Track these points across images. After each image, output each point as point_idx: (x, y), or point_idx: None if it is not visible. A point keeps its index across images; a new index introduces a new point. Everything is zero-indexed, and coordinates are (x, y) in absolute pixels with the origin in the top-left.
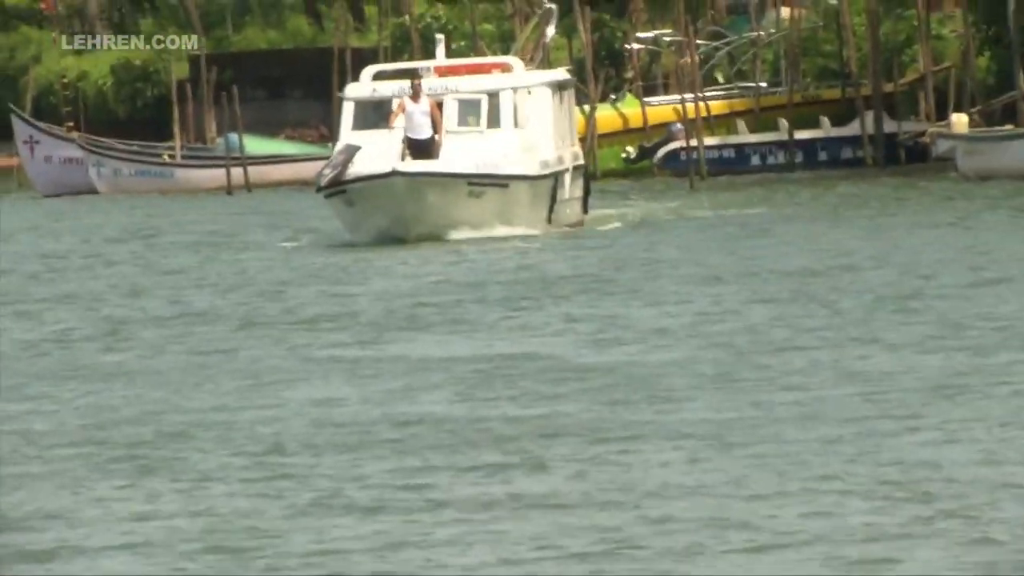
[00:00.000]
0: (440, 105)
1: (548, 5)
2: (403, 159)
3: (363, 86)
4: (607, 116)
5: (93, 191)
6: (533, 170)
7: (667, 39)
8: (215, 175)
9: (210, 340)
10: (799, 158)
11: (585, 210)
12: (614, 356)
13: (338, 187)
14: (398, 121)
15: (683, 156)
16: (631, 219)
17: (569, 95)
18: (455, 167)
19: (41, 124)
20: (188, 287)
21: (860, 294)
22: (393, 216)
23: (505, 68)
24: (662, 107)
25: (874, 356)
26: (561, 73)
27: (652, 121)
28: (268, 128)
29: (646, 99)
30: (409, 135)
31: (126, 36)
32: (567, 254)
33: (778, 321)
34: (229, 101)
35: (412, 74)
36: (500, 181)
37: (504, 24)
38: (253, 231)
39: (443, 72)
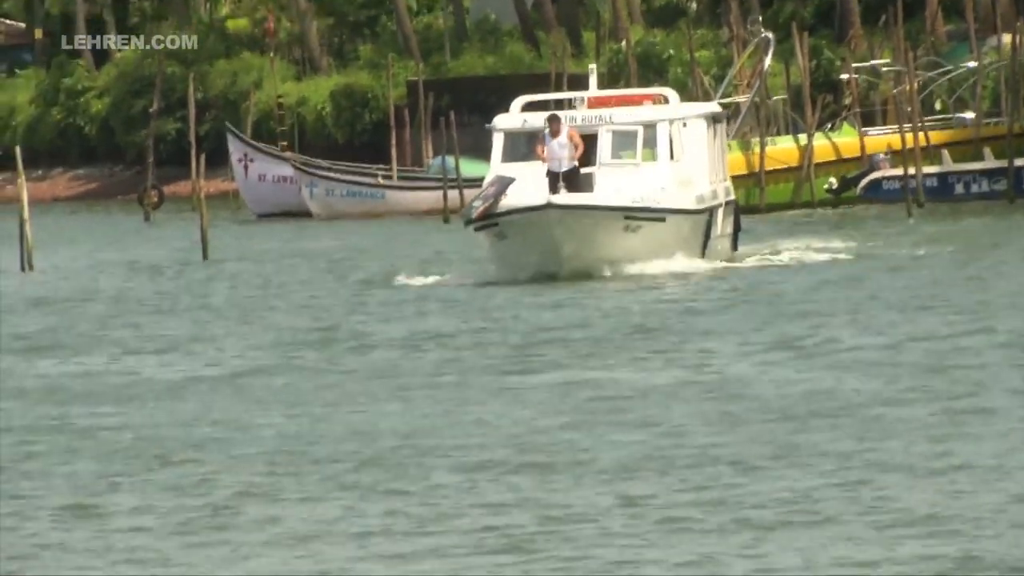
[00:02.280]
0: (587, 137)
1: (765, 34)
2: (556, 191)
3: (513, 117)
4: (820, 146)
5: (305, 211)
6: (690, 204)
7: (884, 68)
8: (426, 197)
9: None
10: (1000, 185)
11: (735, 247)
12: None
13: (490, 220)
14: (547, 152)
15: (885, 185)
16: (794, 257)
17: (721, 128)
18: (611, 200)
19: (255, 143)
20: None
21: None
22: (546, 250)
23: (659, 99)
24: (878, 137)
25: None
26: (714, 106)
27: (870, 150)
28: (484, 154)
29: (863, 128)
30: (551, 168)
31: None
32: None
33: None
34: (446, 126)
35: (562, 105)
36: (657, 215)
37: (722, 50)
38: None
39: (595, 104)
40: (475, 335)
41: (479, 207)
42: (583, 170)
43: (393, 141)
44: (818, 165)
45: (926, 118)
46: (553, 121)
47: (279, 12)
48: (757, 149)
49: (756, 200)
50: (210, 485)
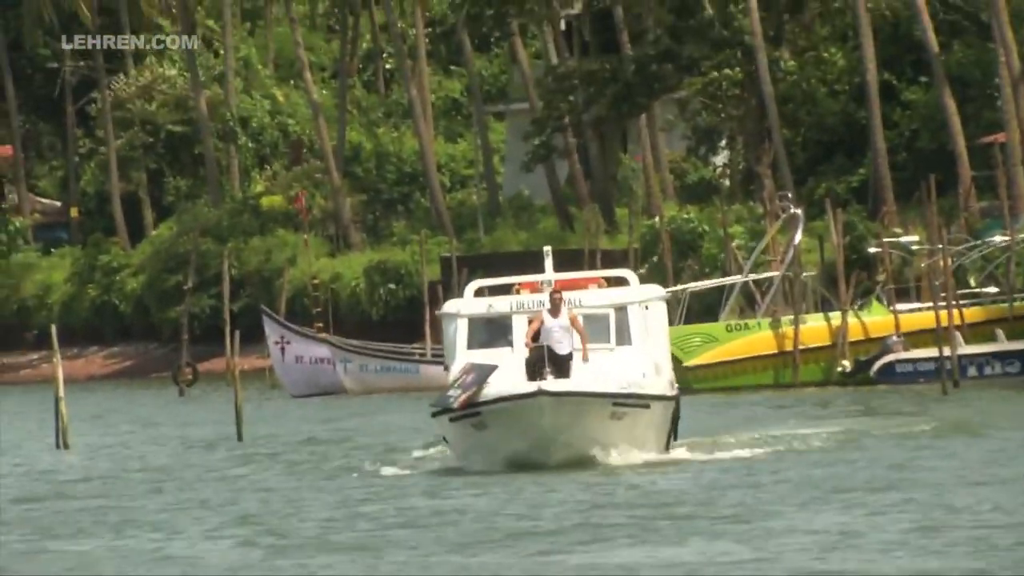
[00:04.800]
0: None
1: (794, 210)
2: (542, 377)
3: (475, 303)
4: (849, 325)
5: (342, 390)
6: (667, 390)
7: (915, 247)
8: None
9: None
10: (1016, 368)
11: (675, 436)
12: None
13: (470, 410)
14: (543, 333)
15: (899, 368)
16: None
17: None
18: (599, 386)
19: (292, 325)
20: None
21: None
22: (533, 440)
23: (620, 281)
24: (912, 315)
25: None
26: (659, 288)
27: (904, 328)
28: None
29: (897, 304)
30: (551, 349)
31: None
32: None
33: None
34: None
35: (510, 290)
36: (643, 402)
37: (755, 226)
38: None
39: (559, 286)
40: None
41: (459, 396)
42: None
43: (427, 317)
44: (848, 344)
45: (960, 293)
46: (554, 300)
47: (313, 189)
48: (785, 328)
49: (788, 379)
50: None
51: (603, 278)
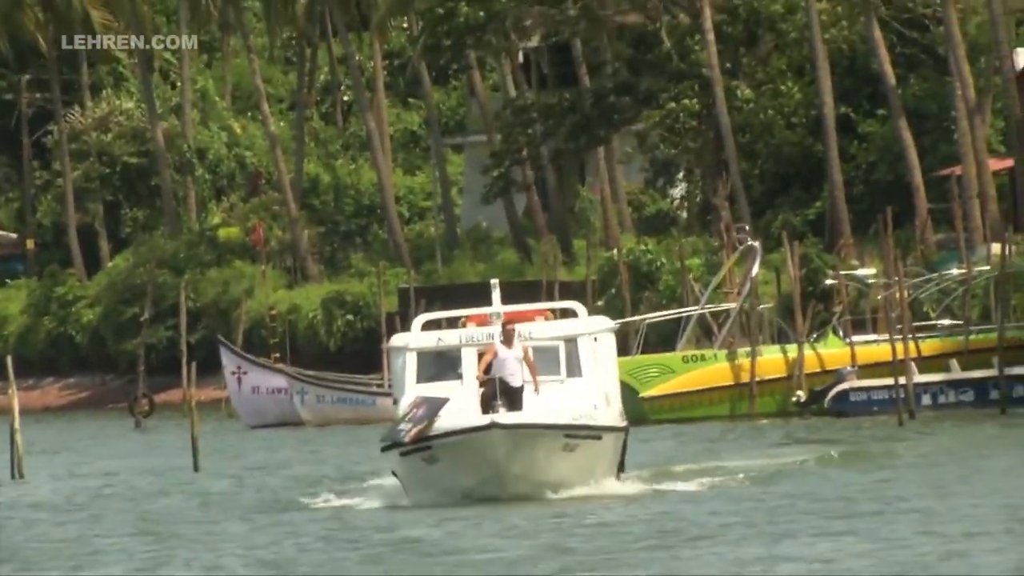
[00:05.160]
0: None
1: (751, 243)
2: (494, 409)
3: (426, 336)
4: (805, 356)
5: (298, 421)
6: (618, 422)
7: (870, 280)
8: None
9: None
10: (970, 396)
11: (623, 468)
12: None
13: (421, 443)
14: (495, 364)
15: (852, 397)
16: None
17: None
18: (552, 418)
19: (249, 355)
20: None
21: None
22: (487, 473)
23: (568, 313)
24: (868, 347)
25: None
26: (607, 320)
27: (861, 360)
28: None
29: (853, 336)
30: (504, 381)
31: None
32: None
33: None
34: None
35: (457, 323)
36: (595, 433)
37: (711, 258)
38: None
39: (507, 318)
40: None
41: (409, 430)
42: None
43: (385, 349)
44: (805, 375)
45: (917, 325)
46: (507, 332)
47: (270, 221)
48: (741, 359)
49: (744, 410)
50: None
51: (551, 310)
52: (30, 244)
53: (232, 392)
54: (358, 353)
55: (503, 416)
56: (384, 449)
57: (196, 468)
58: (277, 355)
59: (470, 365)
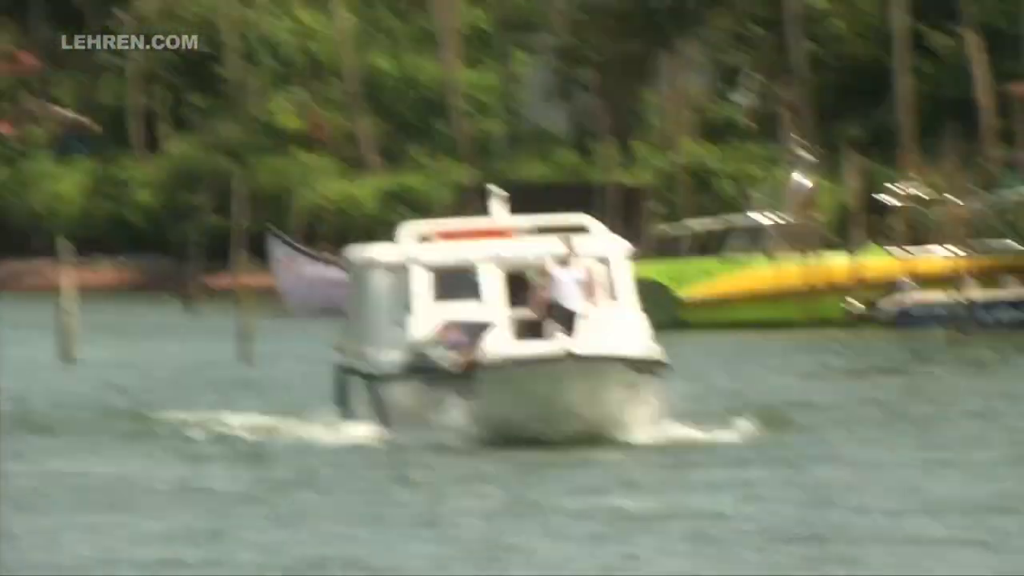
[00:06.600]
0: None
1: (803, 154)
2: (548, 335)
3: (433, 249)
4: (844, 266)
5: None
6: (663, 355)
7: (927, 197)
8: None
9: None
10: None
11: None
12: None
13: (478, 371)
14: (554, 288)
15: (913, 312)
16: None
17: None
18: (624, 351)
19: (297, 243)
20: None
21: None
22: (549, 408)
23: (581, 228)
24: (922, 259)
25: None
26: (622, 241)
27: (915, 273)
28: None
29: (909, 248)
30: (560, 306)
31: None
32: None
33: None
34: None
35: (469, 234)
36: (657, 367)
37: (774, 166)
38: None
39: (500, 233)
40: None
41: (455, 359)
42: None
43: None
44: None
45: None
46: (567, 249)
47: (333, 111)
48: (787, 266)
49: (789, 314)
50: None
51: (559, 226)
52: (92, 125)
53: (280, 280)
54: None
55: (575, 344)
56: (409, 376)
57: (245, 356)
58: (327, 244)
59: (491, 284)
